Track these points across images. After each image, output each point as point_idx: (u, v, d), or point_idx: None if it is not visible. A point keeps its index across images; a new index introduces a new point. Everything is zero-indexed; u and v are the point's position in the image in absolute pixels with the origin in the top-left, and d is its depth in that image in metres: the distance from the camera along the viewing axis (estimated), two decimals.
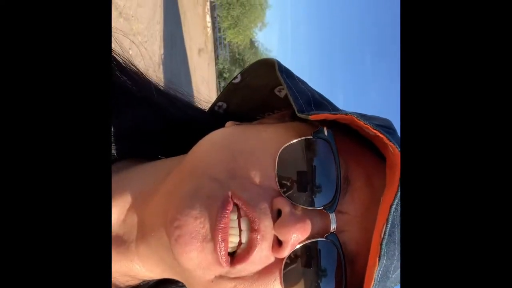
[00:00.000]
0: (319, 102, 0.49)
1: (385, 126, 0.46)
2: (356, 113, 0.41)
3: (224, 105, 0.58)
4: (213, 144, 0.46)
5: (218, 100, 0.58)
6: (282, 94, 0.56)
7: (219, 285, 0.42)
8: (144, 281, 0.52)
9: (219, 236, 0.39)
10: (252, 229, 0.40)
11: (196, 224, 0.39)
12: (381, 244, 0.36)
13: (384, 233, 0.36)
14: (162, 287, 0.54)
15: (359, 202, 0.43)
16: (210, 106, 0.60)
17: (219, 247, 0.39)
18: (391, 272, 0.40)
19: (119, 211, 0.48)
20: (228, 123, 0.52)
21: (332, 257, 0.41)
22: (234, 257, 0.41)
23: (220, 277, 0.41)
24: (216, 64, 20.26)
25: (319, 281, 0.42)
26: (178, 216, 0.40)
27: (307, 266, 0.41)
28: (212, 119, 0.57)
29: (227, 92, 0.56)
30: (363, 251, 0.42)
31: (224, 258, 0.39)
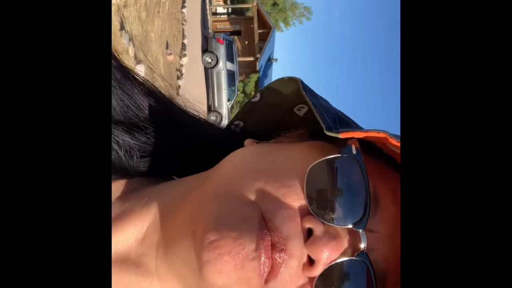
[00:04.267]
0: (345, 121, 0.49)
1: None
2: (385, 131, 0.41)
3: (241, 124, 0.58)
4: (238, 164, 0.46)
5: (235, 119, 0.58)
6: (301, 113, 0.55)
7: None
8: None
9: (263, 254, 0.39)
10: (279, 250, 0.40)
11: (235, 245, 0.39)
12: None
13: None
14: None
15: (388, 221, 0.43)
16: (227, 125, 0.60)
17: (263, 264, 0.39)
18: None
19: (138, 230, 0.48)
20: (247, 141, 0.52)
21: (362, 276, 0.41)
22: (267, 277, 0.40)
23: None
24: None
25: None
26: (214, 237, 0.39)
27: (338, 285, 0.41)
28: (230, 138, 0.57)
29: (245, 111, 0.56)
30: (392, 269, 0.42)
31: (266, 266, 0.39)
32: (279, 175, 0.43)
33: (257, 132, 0.58)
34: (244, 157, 0.47)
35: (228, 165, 0.47)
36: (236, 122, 0.58)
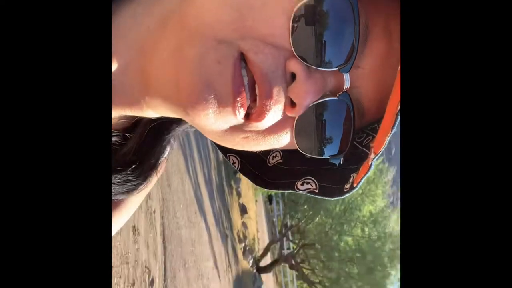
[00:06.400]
0: None
1: None
2: None
3: None
4: None
5: None
6: None
7: (233, 135, 0.43)
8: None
9: (236, 94, 0.39)
10: (265, 96, 0.40)
11: (209, 90, 0.39)
12: (396, 114, 0.36)
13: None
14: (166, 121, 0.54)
15: (376, 55, 0.41)
16: None
17: (237, 102, 0.39)
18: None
19: (118, 60, 0.45)
20: None
21: (342, 114, 0.42)
22: (249, 115, 0.42)
23: (235, 127, 0.42)
24: None
25: (327, 132, 0.43)
26: (189, 85, 0.39)
27: (317, 121, 0.42)
28: None
29: None
30: (372, 106, 0.43)
31: (241, 111, 0.40)
32: (263, 10, 0.39)
33: None
34: None
35: None
36: None
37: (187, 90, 0.39)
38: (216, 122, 0.41)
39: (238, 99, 0.39)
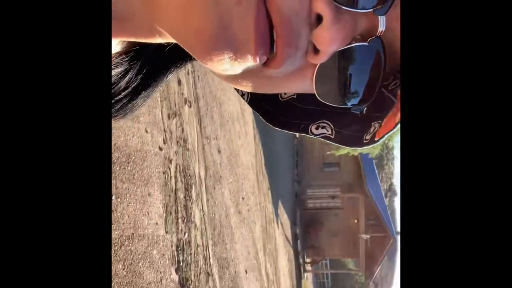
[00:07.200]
0: None
1: None
2: None
3: None
4: None
5: None
6: None
7: (247, 79, 0.38)
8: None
9: (259, 41, 0.34)
10: (285, 43, 0.35)
11: (226, 35, 0.33)
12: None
13: None
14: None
15: None
16: None
17: (258, 50, 0.34)
18: None
19: None
20: None
21: (370, 61, 0.37)
22: (266, 62, 0.36)
23: (250, 72, 0.37)
24: None
25: (352, 82, 0.38)
26: (202, 28, 0.33)
27: (342, 68, 0.37)
28: None
29: None
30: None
31: (263, 58, 0.35)
32: None
33: None
34: None
35: None
36: None
37: (199, 33, 0.34)
38: (231, 68, 0.36)
39: (261, 46, 0.34)
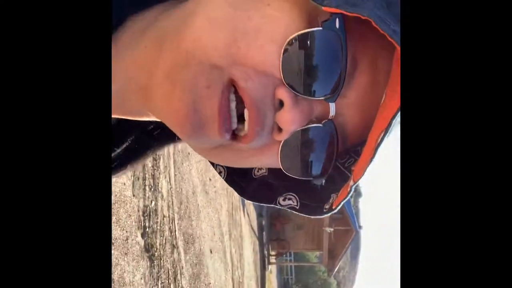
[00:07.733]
0: None
1: None
2: (376, 13, 0.38)
3: None
4: (211, 19, 0.41)
5: None
6: None
7: (220, 153, 0.46)
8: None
9: (222, 119, 0.41)
10: (254, 122, 0.42)
11: (195, 114, 0.41)
12: (375, 149, 0.38)
13: (381, 140, 0.38)
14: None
15: (361, 87, 0.43)
16: None
17: (222, 127, 0.42)
18: None
19: (117, 77, 0.46)
20: None
21: (326, 139, 0.44)
22: (237, 136, 0.44)
23: (222, 146, 0.45)
24: None
25: (311, 156, 0.45)
26: (178, 108, 0.41)
27: (302, 146, 0.45)
28: None
29: None
30: (357, 132, 0.45)
31: (226, 135, 0.42)
32: (256, 37, 0.40)
33: None
34: (219, 8, 0.42)
35: (200, 21, 0.42)
36: None
37: (176, 112, 0.41)
38: (202, 143, 0.44)
39: (223, 124, 0.41)
